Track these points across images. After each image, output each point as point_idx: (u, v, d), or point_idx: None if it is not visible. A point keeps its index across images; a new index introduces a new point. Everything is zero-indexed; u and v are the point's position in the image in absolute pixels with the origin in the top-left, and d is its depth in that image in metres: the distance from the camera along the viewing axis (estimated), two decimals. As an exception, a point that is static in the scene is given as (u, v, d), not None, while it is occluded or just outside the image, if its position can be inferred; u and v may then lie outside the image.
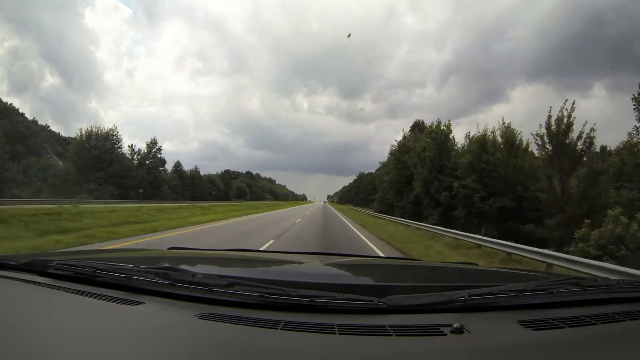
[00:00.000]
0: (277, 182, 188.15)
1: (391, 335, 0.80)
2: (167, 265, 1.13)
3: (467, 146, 27.01)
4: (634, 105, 17.45)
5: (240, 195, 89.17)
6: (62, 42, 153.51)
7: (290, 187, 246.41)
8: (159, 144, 57.65)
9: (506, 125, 23.87)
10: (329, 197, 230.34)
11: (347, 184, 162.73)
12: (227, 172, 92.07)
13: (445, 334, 0.80)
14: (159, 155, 57.77)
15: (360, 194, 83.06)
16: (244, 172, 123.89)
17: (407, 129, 41.57)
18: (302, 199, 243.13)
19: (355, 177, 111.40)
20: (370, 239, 13.68)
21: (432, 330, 0.82)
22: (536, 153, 21.57)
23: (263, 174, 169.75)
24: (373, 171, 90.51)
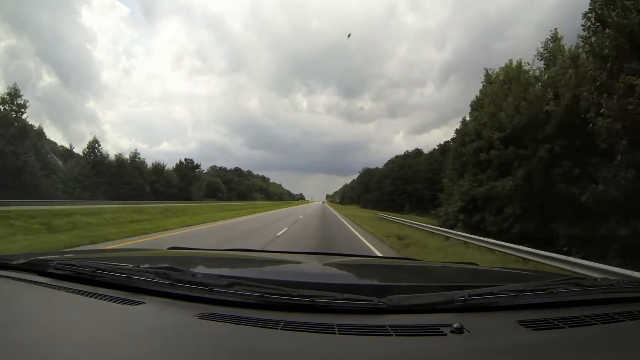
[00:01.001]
0: (271, 181, 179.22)
1: (391, 335, 0.80)
2: (167, 265, 1.13)
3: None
4: None
5: (212, 194, 69.80)
6: (59, 41, 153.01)
7: (288, 187, 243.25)
8: (22, 96, 30.79)
9: None
10: (328, 196, 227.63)
11: (346, 183, 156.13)
12: (187, 162, 66.23)
13: (445, 334, 0.80)
14: (21, 116, 30.72)
15: (372, 191, 67.95)
16: (232, 169, 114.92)
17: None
18: (299, 198, 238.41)
19: (359, 173, 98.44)
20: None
21: (432, 330, 0.82)
22: None
23: (263, 174, 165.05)
24: (380, 167, 77.06)
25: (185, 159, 67.60)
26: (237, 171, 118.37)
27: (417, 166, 58.16)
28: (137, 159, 51.69)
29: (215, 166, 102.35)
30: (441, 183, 24.01)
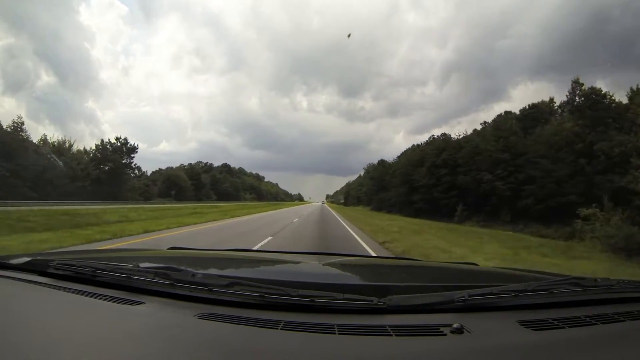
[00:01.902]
0: (266, 180, 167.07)
1: (391, 335, 0.80)
2: (167, 265, 1.13)
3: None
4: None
5: (165, 194, 52.46)
6: (57, 40, 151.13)
7: (288, 187, 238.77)
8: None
9: None
10: (328, 197, 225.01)
11: (349, 181, 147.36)
12: (119, 142, 46.15)
13: (445, 334, 0.80)
14: None
15: (392, 188, 46.75)
16: (220, 165, 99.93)
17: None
18: (297, 199, 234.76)
19: (364, 169, 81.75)
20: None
21: (432, 330, 0.82)
22: None
23: (258, 173, 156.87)
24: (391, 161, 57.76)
25: (117, 138, 46.12)
26: (225, 167, 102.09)
27: (468, 145, 34.17)
28: (21, 134, 32.35)
29: (201, 162, 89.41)
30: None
